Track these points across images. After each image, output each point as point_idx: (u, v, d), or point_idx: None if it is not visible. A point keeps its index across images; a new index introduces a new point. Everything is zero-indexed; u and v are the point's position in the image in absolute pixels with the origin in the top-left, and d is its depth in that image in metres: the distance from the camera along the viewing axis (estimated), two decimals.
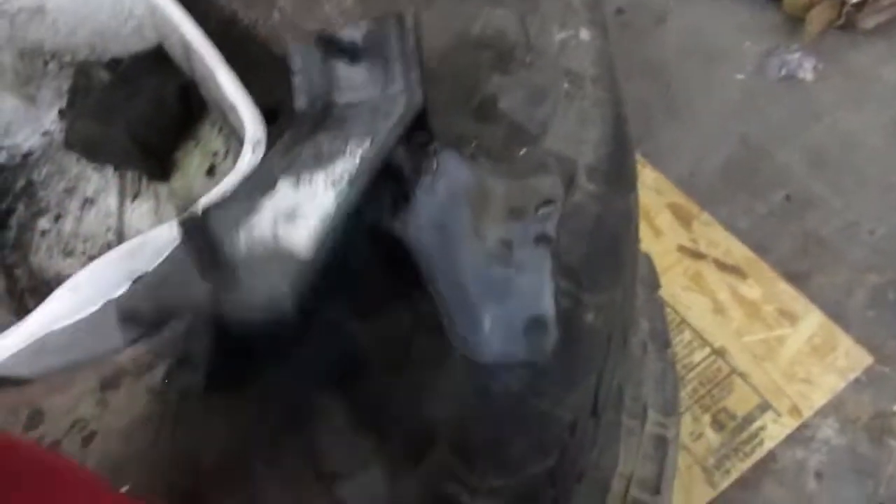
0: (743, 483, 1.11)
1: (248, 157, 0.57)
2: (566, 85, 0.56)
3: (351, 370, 0.46)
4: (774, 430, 1.09)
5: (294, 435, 0.45)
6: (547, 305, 0.41)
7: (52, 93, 0.81)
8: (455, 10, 0.60)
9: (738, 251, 1.24)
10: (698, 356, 1.16)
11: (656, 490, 0.79)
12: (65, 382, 0.54)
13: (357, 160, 0.42)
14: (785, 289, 1.19)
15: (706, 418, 1.11)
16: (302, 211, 0.39)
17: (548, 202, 0.47)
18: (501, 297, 0.43)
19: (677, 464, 0.88)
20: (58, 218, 0.75)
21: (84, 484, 0.39)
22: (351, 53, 0.48)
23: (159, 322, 0.35)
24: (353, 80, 0.50)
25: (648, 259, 0.94)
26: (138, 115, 0.72)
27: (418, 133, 0.48)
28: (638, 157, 1.42)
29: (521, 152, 0.53)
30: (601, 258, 0.53)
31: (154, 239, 0.54)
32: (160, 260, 0.55)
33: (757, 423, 1.10)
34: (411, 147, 0.47)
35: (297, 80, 0.51)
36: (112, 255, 0.54)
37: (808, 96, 1.51)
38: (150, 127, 0.73)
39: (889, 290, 1.29)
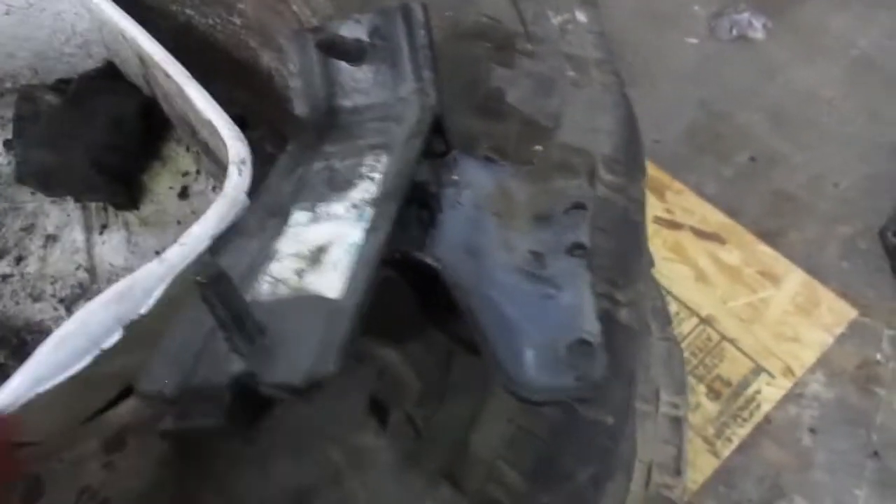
0: (741, 447, 1.11)
1: (235, 180, 0.53)
2: (571, 72, 0.53)
3: (389, 402, 0.43)
4: (770, 393, 1.09)
5: (338, 484, 0.41)
6: (591, 325, 0.37)
7: None
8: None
9: (714, 217, 1.24)
10: (686, 326, 1.15)
11: (677, 471, 0.78)
12: (62, 446, 0.49)
13: (377, 181, 0.38)
14: (763, 250, 1.20)
15: (701, 388, 1.11)
16: (328, 250, 0.34)
17: (577, 206, 0.43)
18: (540, 318, 0.38)
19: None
20: (19, 260, 0.69)
21: None
22: (355, 53, 0.43)
23: (186, 402, 0.31)
24: (359, 82, 0.45)
25: None
26: (96, 139, 0.66)
27: (434, 140, 0.45)
28: None
29: (537, 149, 0.49)
30: (628, 251, 0.50)
31: (143, 279, 0.49)
32: (152, 302, 0.50)
33: (752, 388, 1.10)
34: (429, 157, 0.43)
35: (296, 84, 0.46)
36: (97, 303, 0.49)
37: (761, 55, 1.51)
38: (111, 151, 0.67)
39: (859, 239, 1.30)
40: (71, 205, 0.70)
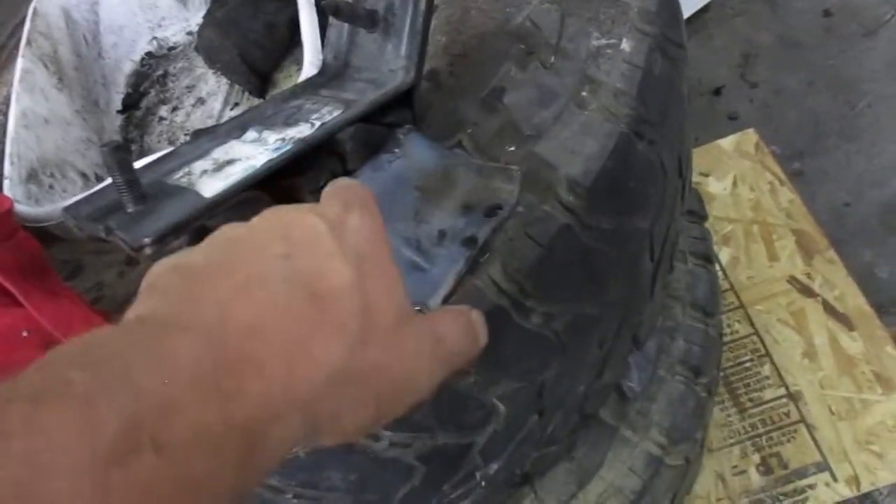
0: None
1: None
2: (584, 93, 0.56)
3: None
4: (823, 493, 1.02)
5: None
6: (434, 302, 0.44)
7: None
8: None
9: (854, 301, 1.13)
10: (769, 394, 1.10)
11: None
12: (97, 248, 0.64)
13: (314, 127, 0.46)
14: (892, 353, 1.08)
15: (755, 458, 1.06)
16: (234, 164, 0.44)
17: (495, 207, 0.48)
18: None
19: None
20: (174, 109, 0.87)
21: None
22: (362, 20, 0.51)
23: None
24: (368, 48, 0.53)
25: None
26: (250, 35, 0.81)
27: (400, 111, 0.51)
28: (789, 172, 1.32)
29: (510, 150, 0.54)
30: (558, 271, 0.54)
31: None
32: None
33: (806, 481, 1.03)
34: (383, 123, 0.50)
35: (330, 34, 0.56)
36: None
37: None
38: (258, 48, 0.81)
39: None
40: (223, 80, 0.86)
